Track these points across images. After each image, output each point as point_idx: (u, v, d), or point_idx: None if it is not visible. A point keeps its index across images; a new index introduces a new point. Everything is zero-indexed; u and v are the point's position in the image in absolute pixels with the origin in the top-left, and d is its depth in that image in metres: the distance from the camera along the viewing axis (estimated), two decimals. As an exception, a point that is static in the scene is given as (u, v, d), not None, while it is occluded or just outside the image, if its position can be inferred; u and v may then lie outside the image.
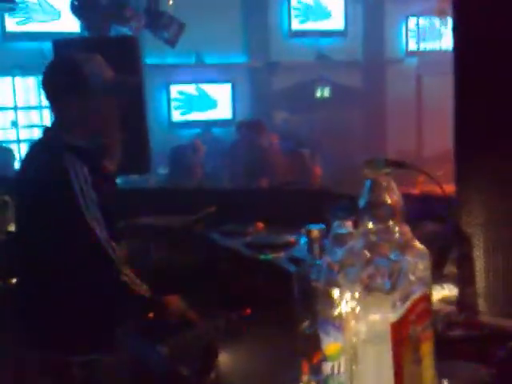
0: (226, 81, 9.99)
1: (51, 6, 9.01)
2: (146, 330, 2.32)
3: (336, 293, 1.16)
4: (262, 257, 2.66)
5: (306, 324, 1.38)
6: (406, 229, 1.04)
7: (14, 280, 2.45)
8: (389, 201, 1.01)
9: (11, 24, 8.81)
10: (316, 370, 1.19)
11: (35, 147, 2.19)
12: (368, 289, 1.02)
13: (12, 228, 3.45)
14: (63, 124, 2.09)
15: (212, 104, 10.02)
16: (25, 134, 9.15)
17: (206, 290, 2.74)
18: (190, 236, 3.23)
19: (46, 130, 2.15)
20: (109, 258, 1.94)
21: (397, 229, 1.03)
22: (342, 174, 5.20)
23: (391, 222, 1.02)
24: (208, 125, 9.58)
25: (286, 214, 3.10)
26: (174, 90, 9.77)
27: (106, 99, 2.09)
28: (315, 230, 1.34)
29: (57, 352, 2.01)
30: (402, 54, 10.96)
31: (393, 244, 1.03)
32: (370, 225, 1.02)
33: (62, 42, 3.22)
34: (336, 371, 1.13)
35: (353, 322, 1.01)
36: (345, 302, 1.07)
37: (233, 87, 10.02)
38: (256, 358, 2.26)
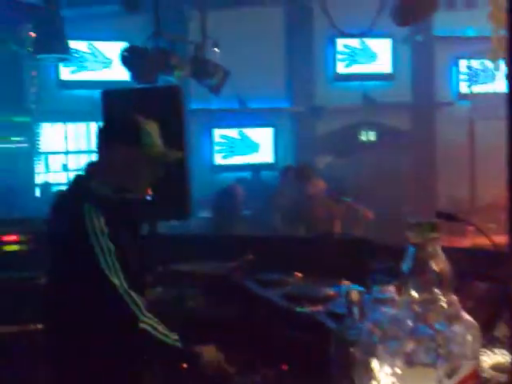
0: (269, 125, 10.06)
1: (103, 55, 9.47)
2: (179, 382, 2.26)
3: (375, 364, 1.08)
4: (299, 309, 2.56)
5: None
6: (454, 298, 0.96)
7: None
8: (435, 268, 0.93)
9: (65, 73, 9.33)
10: None
11: (63, 194, 2.25)
12: (410, 362, 0.94)
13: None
14: (98, 173, 2.14)
15: (254, 148, 10.08)
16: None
17: (241, 341, 2.66)
18: (226, 284, 3.17)
19: (77, 178, 2.18)
20: (126, 307, 1.90)
21: (443, 298, 0.95)
22: (389, 223, 5.07)
23: (437, 291, 0.95)
24: (250, 168, 9.62)
25: (325, 265, 3.01)
26: (217, 133, 9.89)
27: (150, 164, 2.18)
28: (355, 292, 1.26)
29: None
30: (453, 97, 10.79)
31: (439, 314, 0.95)
32: (414, 293, 0.94)
33: (110, 92, 3.32)
34: None
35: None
36: (384, 375, 0.99)
37: (275, 131, 10.07)
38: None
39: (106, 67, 9.44)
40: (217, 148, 9.91)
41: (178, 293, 3.07)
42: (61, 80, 9.32)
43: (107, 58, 9.40)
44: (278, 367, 2.38)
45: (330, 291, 2.67)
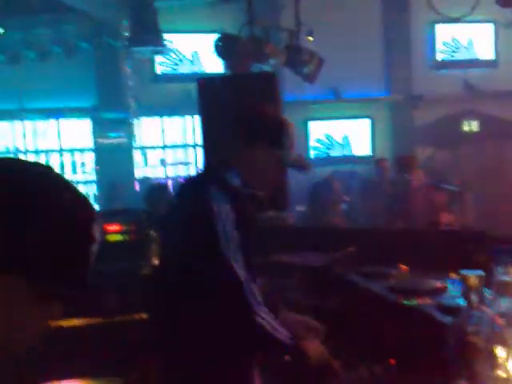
0: (366, 116, 9.84)
1: (194, 47, 9.43)
2: (282, 376, 2.23)
3: (500, 352, 0.99)
4: (407, 302, 2.46)
5: (460, 382, 1.22)
6: None
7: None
8: None
9: (160, 66, 9.42)
10: None
11: (190, 180, 2.26)
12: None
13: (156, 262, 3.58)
14: (232, 165, 2.10)
15: (351, 140, 9.91)
16: (172, 172, 9.70)
17: (345, 334, 2.60)
18: (328, 276, 3.11)
19: (207, 166, 2.20)
20: (245, 297, 1.86)
21: None
22: (496, 215, 4.79)
23: None
24: (347, 161, 9.46)
25: (431, 257, 2.87)
26: (313, 126, 9.80)
27: (281, 165, 2.17)
28: (473, 277, 1.17)
29: None
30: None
31: None
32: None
33: (205, 81, 3.34)
34: None
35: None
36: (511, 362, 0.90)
37: (372, 123, 9.84)
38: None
39: (197, 59, 9.38)
40: (313, 141, 9.81)
41: (279, 284, 3.04)
42: (156, 74, 9.36)
43: (196, 51, 9.33)
44: (386, 362, 2.30)
45: (438, 283, 2.55)
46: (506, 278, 1.03)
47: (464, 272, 1.26)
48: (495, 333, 1.02)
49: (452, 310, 1.98)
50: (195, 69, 9.36)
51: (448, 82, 9.64)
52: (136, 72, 8.79)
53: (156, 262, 3.56)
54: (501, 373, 1.00)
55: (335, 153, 9.83)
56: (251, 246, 2.02)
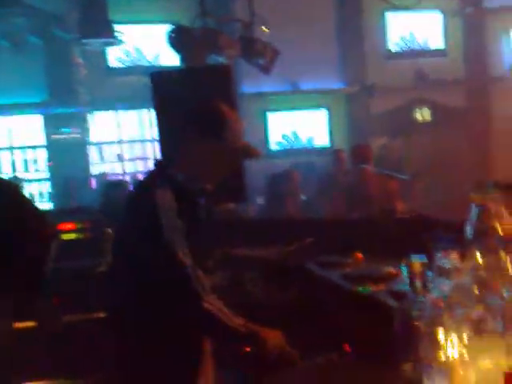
0: (323, 107, 9.93)
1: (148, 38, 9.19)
2: (241, 365, 2.26)
3: (441, 335, 1.04)
4: (361, 289, 2.52)
5: (408, 366, 1.27)
6: (522, 262, 0.91)
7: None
8: (499, 229, 0.89)
9: (113, 59, 9.14)
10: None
11: (139, 181, 2.27)
12: (478, 331, 0.90)
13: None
14: (175, 161, 2.11)
15: (309, 132, 9.99)
16: (130, 168, 9.54)
17: (303, 323, 2.65)
18: (286, 267, 3.16)
19: (156, 163, 2.20)
20: (191, 285, 1.89)
21: (509, 261, 0.90)
22: (447, 202, 4.93)
23: (503, 254, 0.90)
24: (305, 153, 9.54)
25: (385, 244, 2.95)
26: (271, 117, 9.84)
27: (229, 158, 2.13)
28: (417, 263, 1.23)
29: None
30: (506, 71, 10.43)
31: (506, 279, 0.91)
32: (479, 257, 0.90)
33: (159, 74, 3.30)
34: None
35: (460, 369, 0.89)
36: (451, 345, 0.95)
37: (329, 114, 9.95)
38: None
39: (151, 51, 9.12)
40: (271, 132, 9.82)
41: (237, 277, 3.07)
42: (109, 67, 9.12)
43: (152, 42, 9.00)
44: (342, 349, 2.35)
45: (392, 270, 2.62)
46: (446, 263, 1.08)
47: (409, 259, 1.31)
48: (437, 316, 1.06)
49: (402, 296, 2.05)
50: (149, 60, 9.21)
51: (400, 71, 9.80)
52: (88, 65, 8.56)
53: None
54: (442, 354, 1.05)
55: (296, 145, 9.89)
56: (201, 238, 2.06)
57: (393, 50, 10.21)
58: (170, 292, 1.92)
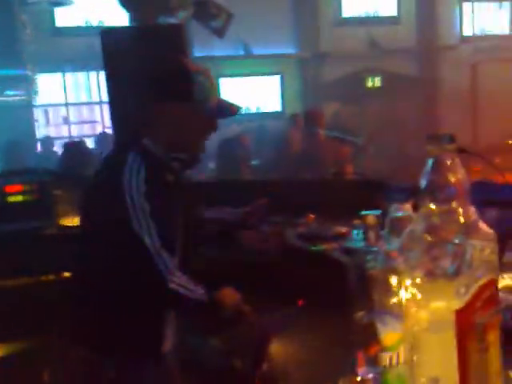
0: (275, 73, 9.93)
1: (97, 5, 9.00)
2: (198, 324, 2.29)
3: (394, 280, 1.10)
4: (314, 248, 2.60)
5: (362, 314, 1.33)
6: (471, 210, 0.96)
7: (67, 274, 2.45)
8: (453, 180, 0.93)
9: (60, 19, 8.96)
10: (373, 362, 1.14)
11: (110, 153, 2.12)
12: (430, 274, 0.95)
13: (65, 222, 3.52)
14: (147, 130, 1.98)
15: (261, 96, 9.99)
16: (76, 131, 9.35)
17: (258, 282, 2.70)
18: (241, 229, 3.20)
19: (125, 133, 2.11)
20: (155, 267, 1.85)
21: (461, 210, 0.95)
22: (395, 165, 5.07)
23: (455, 204, 0.95)
24: (257, 117, 9.56)
25: (337, 205, 3.03)
26: (223, 82, 9.77)
27: (205, 120, 2.01)
28: (371, 216, 1.28)
29: (101, 353, 1.98)
30: (456, 40, 10.64)
31: (457, 226, 0.96)
32: (432, 206, 0.95)
33: (110, 32, 3.21)
34: (394, 362, 1.07)
35: (414, 310, 0.95)
36: (404, 289, 1.01)
37: (282, 79, 9.96)
38: (311, 350, 2.21)
39: (99, 11, 8.94)
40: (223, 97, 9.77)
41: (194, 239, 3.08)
42: (56, 27, 8.94)
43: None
44: (296, 305, 2.43)
45: (343, 229, 2.72)
46: (398, 214, 1.13)
47: (363, 212, 1.36)
48: (390, 265, 1.12)
49: (353, 252, 2.14)
50: (98, 20, 8.99)
51: (353, 38, 9.88)
52: (34, 25, 8.30)
53: (63, 221, 3.52)
54: (394, 299, 1.10)
55: (245, 109, 9.88)
56: (179, 210, 2.00)
57: (346, 17, 10.26)
58: (133, 272, 1.89)
